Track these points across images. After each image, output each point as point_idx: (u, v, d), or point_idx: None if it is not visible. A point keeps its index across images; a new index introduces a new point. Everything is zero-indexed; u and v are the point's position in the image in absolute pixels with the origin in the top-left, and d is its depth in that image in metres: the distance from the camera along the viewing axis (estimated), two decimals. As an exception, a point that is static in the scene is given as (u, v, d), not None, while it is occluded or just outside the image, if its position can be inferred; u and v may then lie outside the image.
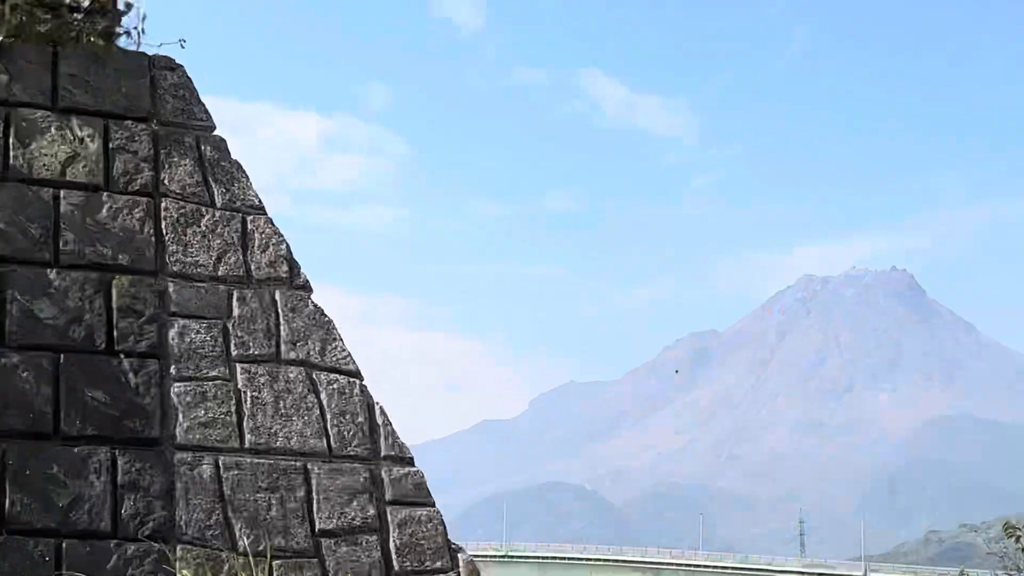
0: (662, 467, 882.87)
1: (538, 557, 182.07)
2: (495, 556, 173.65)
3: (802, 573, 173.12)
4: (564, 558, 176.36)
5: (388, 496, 9.10)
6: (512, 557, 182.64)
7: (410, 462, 9.34)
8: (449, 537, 9.18)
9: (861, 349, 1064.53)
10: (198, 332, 9.10)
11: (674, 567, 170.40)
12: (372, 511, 8.97)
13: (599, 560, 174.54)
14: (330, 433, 9.15)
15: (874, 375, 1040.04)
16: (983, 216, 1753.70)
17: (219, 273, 9.37)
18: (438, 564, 9.01)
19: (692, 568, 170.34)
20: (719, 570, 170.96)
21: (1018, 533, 19.08)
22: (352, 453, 9.15)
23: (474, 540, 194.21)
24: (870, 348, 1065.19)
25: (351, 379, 9.46)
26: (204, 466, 8.69)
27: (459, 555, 9.15)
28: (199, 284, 9.27)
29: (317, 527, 8.80)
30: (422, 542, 9.03)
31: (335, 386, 9.36)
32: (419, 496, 9.21)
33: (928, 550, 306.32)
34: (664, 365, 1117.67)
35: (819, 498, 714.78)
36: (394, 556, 8.92)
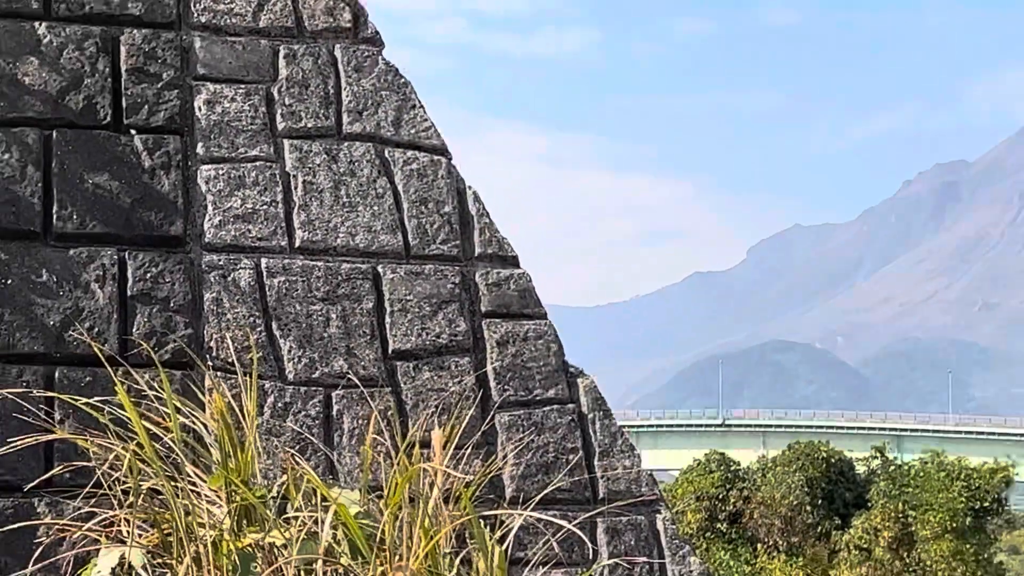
0: (904, 321, 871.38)
1: (761, 426, 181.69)
2: (711, 425, 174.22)
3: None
4: (790, 426, 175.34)
5: (484, 306, 8.01)
6: (731, 426, 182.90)
7: (513, 262, 8.19)
8: (567, 360, 8.03)
9: None
10: (233, 100, 8.07)
11: (919, 434, 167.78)
12: (463, 325, 7.91)
13: (831, 428, 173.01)
14: (407, 227, 8.07)
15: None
16: None
17: (260, 24, 8.30)
18: (551, 392, 7.92)
19: (941, 434, 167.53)
20: (973, 436, 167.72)
21: None
22: (436, 252, 8.06)
23: (686, 408, 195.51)
24: None
25: (435, 156, 8.31)
26: (241, 271, 7.65)
27: (579, 380, 8.01)
28: (234, 39, 8.21)
29: (391, 347, 7.77)
30: (530, 364, 7.94)
31: (414, 166, 8.22)
32: (526, 306, 8.07)
33: None
34: (905, 203, 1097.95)
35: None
36: (492, 382, 7.85)
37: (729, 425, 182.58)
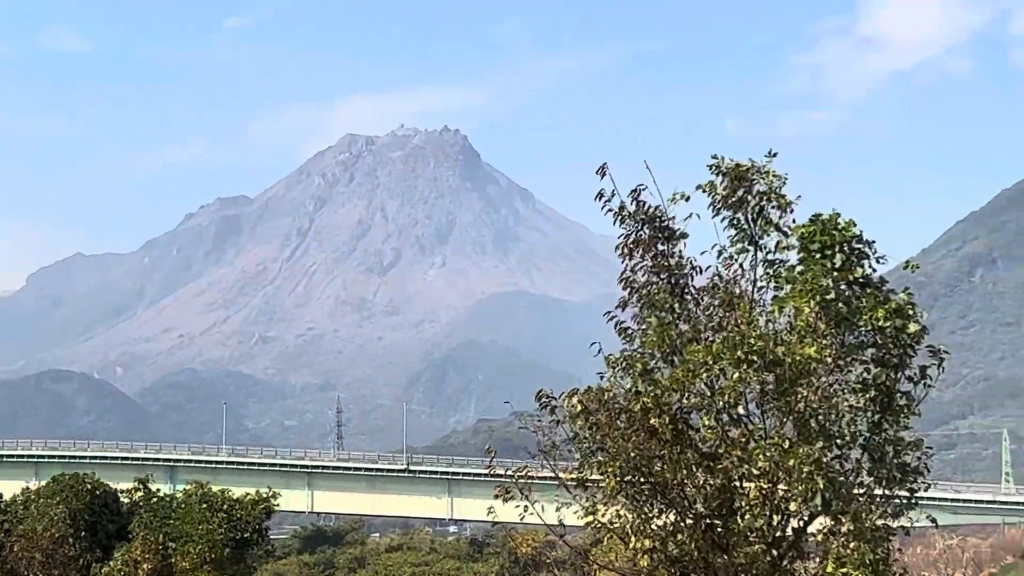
0: (183, 352, 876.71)
1: (33, 457, 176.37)
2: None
3: (338, 469, 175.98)
4: (64, 457, 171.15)
5: None
6: (2, 457, 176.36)
7: None
8: None
9: (409, 219, 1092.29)
10: None
11: (193, 465, 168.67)
12: None
13: (106, 458, 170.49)
14: None
15: (423, 248, 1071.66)
16: (547, 71, 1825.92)
17: None
18: None
19: (215, 464, 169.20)
20: (245, 467, 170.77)
21: (552, 403, 18.71)
22: None
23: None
24: (419, 217, 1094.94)
25: None
26: None
27: None
28: None
29: None
30: None
31: None
32: None
33: (478, 439, 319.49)
34: (187, 235, 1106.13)
35: (360, 385, 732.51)
36: None
37: (3, 456, 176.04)
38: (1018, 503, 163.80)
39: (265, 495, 53.39)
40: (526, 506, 19.32)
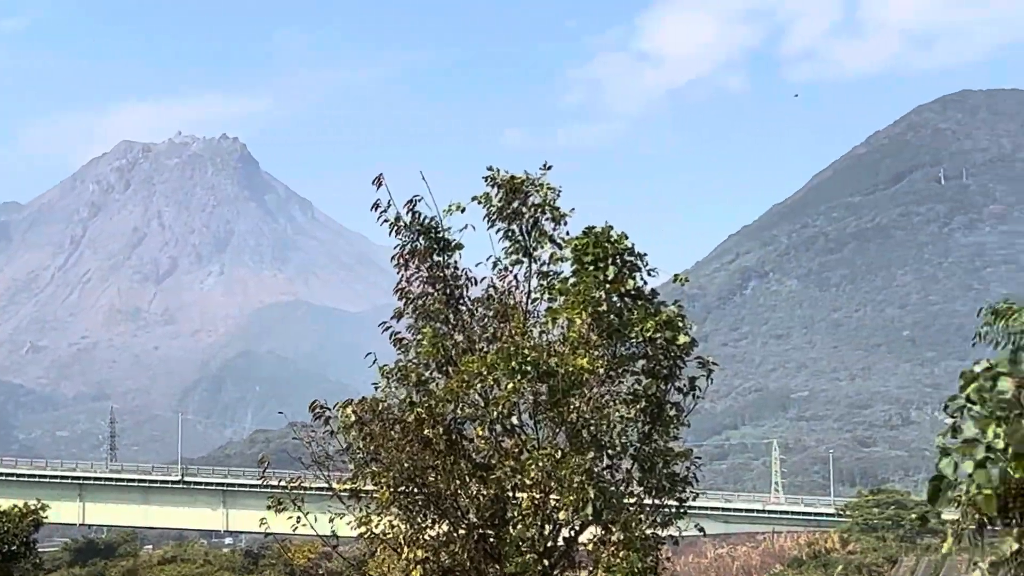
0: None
1: None
2: None
3: (111, 480, 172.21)
4: None
5: None
6: None
7: None
8: None
9: (186, 227, 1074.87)
10: None
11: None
12: None
13: None
14: None
15: (200, 256, 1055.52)
16: (328, 81, 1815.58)
17: None
18: None
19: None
20: (15, 479, 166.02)
21: (327, 414, 18.54)
22: None
23: None
24: (196, 226, 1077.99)
25: None
26: None
27: None
28: None
29: None
30: None
31: None
32: None
33: (254, 450, 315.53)
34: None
35: (135, 395, 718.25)
36: None
37: None
38: (787, 512, 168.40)
39: (33, 507, 51.84)
40: (299, 517, 19.12)
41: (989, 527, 12.02)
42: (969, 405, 11.71)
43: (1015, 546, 11.70)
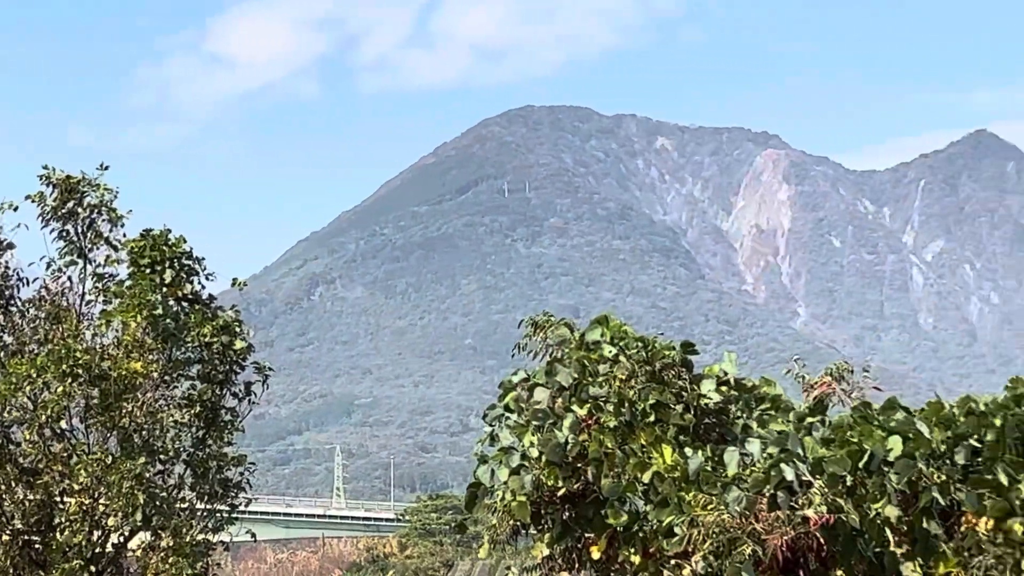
0: None
1: None
2: None
3: None
4: None
5: None
6: None
7: None
8: None
9: None
10: None
11: None
12: None
13: None
14: None
15: None
16: None
17: None
18: None
19: None
20: None
21: None
22: None
23: None
24: None
25: None
26: None
27: None
28: None
29: None
30: None
31: None
32: None
33: None
34: None
35: None
36: None
37: None
38: (347, 517, 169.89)
39: None
40: None
41: (524, 532, 12.62)
42: (507, 414, 12.26)
43: (546, 551, 12.33)
